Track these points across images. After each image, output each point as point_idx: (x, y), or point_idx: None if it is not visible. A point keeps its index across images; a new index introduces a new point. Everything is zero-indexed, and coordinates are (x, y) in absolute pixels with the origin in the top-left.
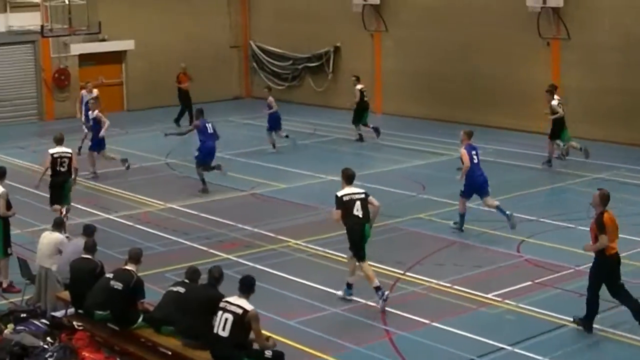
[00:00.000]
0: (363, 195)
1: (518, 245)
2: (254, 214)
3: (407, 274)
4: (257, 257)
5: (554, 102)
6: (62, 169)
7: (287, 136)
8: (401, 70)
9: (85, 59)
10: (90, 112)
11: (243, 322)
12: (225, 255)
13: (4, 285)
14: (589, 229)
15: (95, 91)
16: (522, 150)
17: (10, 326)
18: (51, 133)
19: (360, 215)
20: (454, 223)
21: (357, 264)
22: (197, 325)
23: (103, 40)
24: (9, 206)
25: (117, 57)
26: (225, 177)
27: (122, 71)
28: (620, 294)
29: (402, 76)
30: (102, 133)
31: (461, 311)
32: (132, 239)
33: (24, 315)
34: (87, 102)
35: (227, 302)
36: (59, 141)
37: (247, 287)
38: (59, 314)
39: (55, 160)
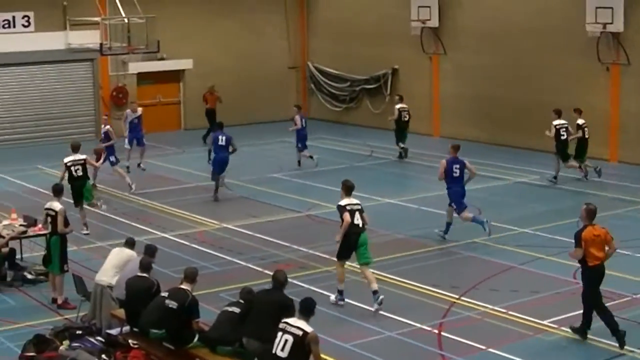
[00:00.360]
0: (360, 207)
1: (574, 272)
2: (309, 236)
3: (462, 298)
4: (312, 279)
5: (555, 122)
6: (78, 174)
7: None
8: (459, 94)
9: (144, 78)
10: (102, 126)
11: (303, 344)
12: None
13: (59, 301)
14: None
15: (139, 110)
16: (580, 175)
17: (66, 343)
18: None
19: (360, 225)
20: (440, 230)
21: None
22: (268, 329)
23: (161, 59)
24: (66, 223)
25: (175, 76)
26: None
27: (179, 90)
28: (596, 305)
29: (460, 99)
30: (105, 144)
31: (517, 337)
32: (187, 258)
33: (80, 332)
34: (131, 121)
35: (287, 323)
36: (75, 149)
37: (307, 309)
38: (114, 331)
39: (69, 168)
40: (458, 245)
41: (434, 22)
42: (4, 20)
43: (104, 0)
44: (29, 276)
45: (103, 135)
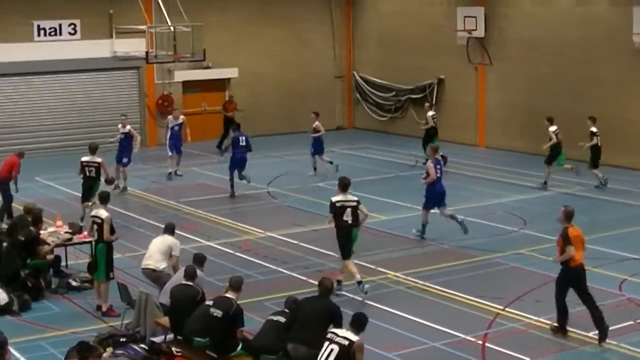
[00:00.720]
0: (355, 204)
1: (620, 283)
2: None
3: (507, 309)
4: (356, 289)
5: (552, 129)
6: (90, 175)
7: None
8: (505, 104)
9: (189, 86)
10: (120, 126)
11: (349, 353)
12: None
13: (104, 308)
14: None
15: (181, 117)
16: (627, 187)
17: (110, 350)
18: (154, 159)
19: (349, 221)
20: (417, 231)
21: (344, 262)
22: (316, 335)
23: (207, 67)
24: (113, 231)
25: (220, 85)
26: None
27: (225, 99)
28: (587, 300)
29: (506, 110)
30: (135, 150)
31: (561, 349)
32: (232, 266)
33: (124, 339)
34: (172, 128)
35: (334, 333)
36: (92, 150)
37: (359, 324)
38: (158, 339)
39: (83, 167)
40: (503, 256)
41: (480, 32)
42: (50, 28)
43: (150, 9)
44: (74, 283)
45: (123, 135)
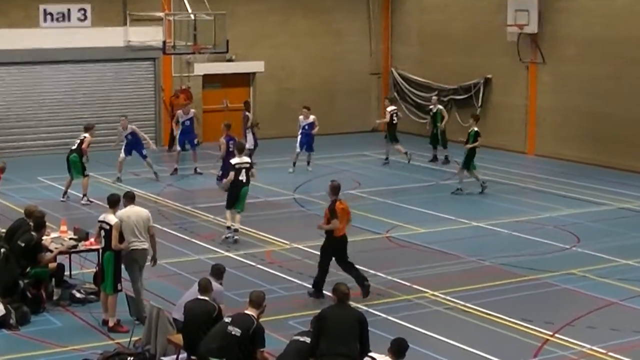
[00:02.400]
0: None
1: None
2: (388, 260)
3: (557, 335)
4: (390, 308)
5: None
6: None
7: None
8: (558, 108)
9: (210, 81)
10: (121, 130)
11: None
12: (354, 304)
13: (111, 323)
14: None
15: (192, 111)
16: None
17: None
18: (170, 159)
19: (244, 180)
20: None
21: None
22: (354, 349)
23: (230, 60)
24: (122, 238)
25: (244, 80)
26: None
27: (249, 95)
28: (346, 266)
29: (560, 114)
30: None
31: None
32: (253, 280)
33: (131, 358)
34: (183, 122)
35: (372, 357)
36: (86, 129)
37: (400, 350)
38: (169, 358)
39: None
40: (553, 277)
41: (533, 28)
42: (58, 14)
43: None
44: (78, 295)
45: (130, 136)
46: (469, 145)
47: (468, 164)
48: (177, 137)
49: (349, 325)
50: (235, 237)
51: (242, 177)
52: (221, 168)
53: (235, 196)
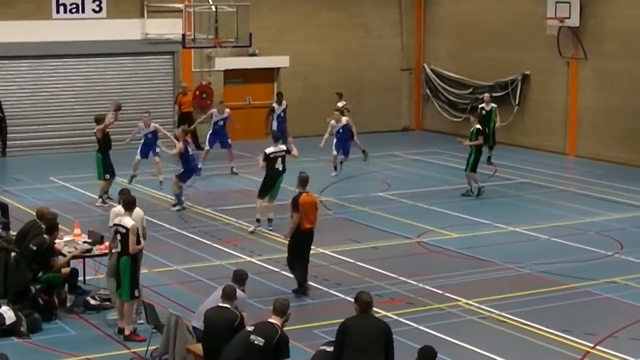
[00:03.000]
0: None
1: None
2: (419, 266)
3: (598, 347)
4: (421, 317)
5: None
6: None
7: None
8: (601, 107)
9: (231, 76)
10: (142, 125)
11: None
12: (383, 312)
13: (127, 332)
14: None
15: (227, 111)
16: None
17: None
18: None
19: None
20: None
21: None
22: (377, 357)
23: (253, 54)
24: (139, 242)
25: (268, 76)
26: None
27: (273, 92)
28: (301, 265)
29: (602, 113)
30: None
31: None
32: (277, 287)
33: None
34: (216, 122)
35: None
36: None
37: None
38: None
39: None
40: (594, 285)
41: (574, 21)
42: (71, 4)
43: None
44: (92, 301)
45: (151, 135)
46: (470, 143)
47: (475, 166)
48: (208, 136)
49: (374, 337)
50: (270, 227)
51: (279, 165)
52: (182, 166)
53: (271, 185)
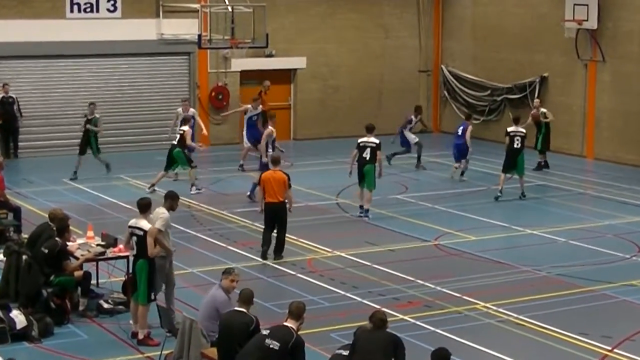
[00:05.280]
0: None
1: None
2: (437, 269)
3: (616, 350)
4: (439, 320)
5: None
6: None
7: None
8: (619, 109)
9: (248, 77)
10: (180, 111)
11: None
12: (400, 316)
13: (141, 336)
14: None
15: (260, 107)
16: None
17: None
18: (206, 161)
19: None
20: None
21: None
22: None
23: (270, 55)
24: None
25: (285, 77)
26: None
27: (290, 93)
28: (268, 231)
29: (621, 116)
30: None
31: None
32: (293, 290)
33: None
34: (250, 118)
35: None
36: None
37: None
38: None
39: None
40: (612, 288)
41: (592, 24)
42: (86, 4)
43: None
44: (106, 305)
45: (192, 120)
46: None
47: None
48: (245, 133)
49: (382, 345)
50: (362, 214)
51: (366, 154)
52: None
53: (360, 175)
